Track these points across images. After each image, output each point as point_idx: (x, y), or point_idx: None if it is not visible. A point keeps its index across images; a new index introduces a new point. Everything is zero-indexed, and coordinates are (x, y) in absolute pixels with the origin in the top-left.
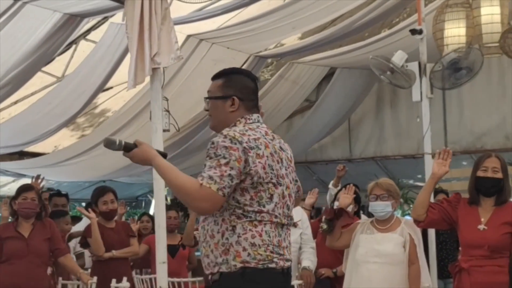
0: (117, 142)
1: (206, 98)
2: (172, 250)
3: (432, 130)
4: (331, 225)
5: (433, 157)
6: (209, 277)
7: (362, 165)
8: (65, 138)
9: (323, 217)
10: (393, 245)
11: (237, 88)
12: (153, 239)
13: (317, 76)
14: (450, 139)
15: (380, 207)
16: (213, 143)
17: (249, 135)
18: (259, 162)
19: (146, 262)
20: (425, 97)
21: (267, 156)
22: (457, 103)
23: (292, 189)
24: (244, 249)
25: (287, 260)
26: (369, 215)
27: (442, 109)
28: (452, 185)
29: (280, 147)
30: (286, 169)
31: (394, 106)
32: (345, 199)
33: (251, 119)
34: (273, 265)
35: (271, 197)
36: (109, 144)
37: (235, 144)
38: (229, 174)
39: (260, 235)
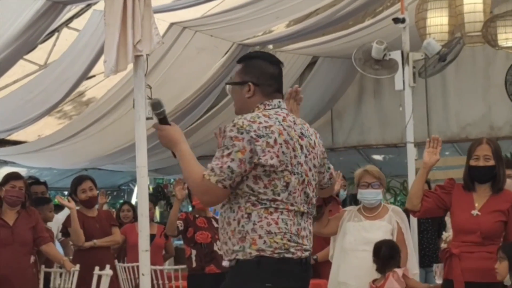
0: (162, 109)
1: (226, 83)
2: None
3: (416, 119)
4: (320, 212)
5: (415, 146)
6: (228, 264)
7: (345, 154)
8: (49, 127)
9: None
10: (382, 232)
11: (254, 74)
12: (129, 228)
13: (300, 65)
14: (435, 129)
15: (372, 195)
16: (224, 131)
17: (259, 122)
18: (268, 151)
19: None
20: (407, 86)
21: (280, 144)
22: (442, 92)
23: (312, 177)
24: (260, 237)
25: (306, 250)
26: (353, 204)
27: (426, 98)
28: (434, 174)
29: (302, 133)
30: (306, 156)
31: (377, 95)
32: None
33: (271, 104)
34: (289, 255)
35: (286, 185)
36: (157, 106)
37: (241, 133)
38: (229, 166)
39: (276, 223)
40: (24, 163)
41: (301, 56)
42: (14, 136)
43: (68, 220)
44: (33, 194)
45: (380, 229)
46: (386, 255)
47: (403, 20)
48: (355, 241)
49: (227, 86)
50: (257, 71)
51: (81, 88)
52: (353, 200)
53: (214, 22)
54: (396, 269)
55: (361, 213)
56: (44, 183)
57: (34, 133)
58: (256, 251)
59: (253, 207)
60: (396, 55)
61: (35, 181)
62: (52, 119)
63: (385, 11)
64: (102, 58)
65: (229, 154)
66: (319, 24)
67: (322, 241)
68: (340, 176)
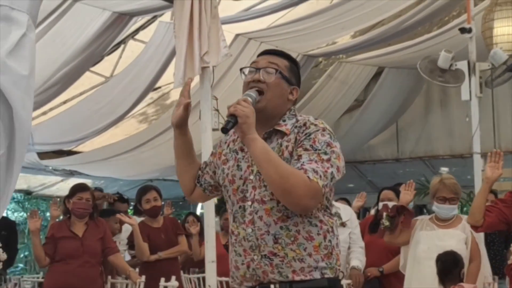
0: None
1: (276, 70)
2: None
3: (484, 130)
4: (393, 222)
5: (482, 156)
6: (288, 284)
7: (411, 165)
8: (114, 138)
9: (384, 214)
10: (456, 241)
11: (298, 81)
12: None
13: (365, 76)
14: (503, 139)
15: (449, 210)
16: (309, 134)
17: None
18: None
19: (194, 262)
20: (474, 96)
21: None
22: (511, 103)
23: None
24: (340, 252)
25: None
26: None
27: (492, 109)
28: (501, 185)
29: None
30: None
31: (444, 105)
32: (406, 196)
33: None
34: None
35: None
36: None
37: (334, 141)
38: (331, 172)
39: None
40: (91, 173)
41: (366, 67)
42: (80, 147)
43: (132, 235)
44: (116, 212)
45: (453, 238)
46: (442, 268)
47: (469, 30)
48: (428, 249)
49: (270, 73)
50: (299, 80)
51: (165, 89)
52: (418, 211)
53: (279, 33)
54: (464, 284)
55: (433, 222)
56: (127, 201)
57: (99, 144)
58: (339, 267)
59: (331, 220)
60: (462, 65)
61: (118, 198)
62: (135, 122)
63: (451, 21)
64: (168, 69)
65: (328, 159)
66: (384, 35)
67: (388, 253)
68: (413, 186)
